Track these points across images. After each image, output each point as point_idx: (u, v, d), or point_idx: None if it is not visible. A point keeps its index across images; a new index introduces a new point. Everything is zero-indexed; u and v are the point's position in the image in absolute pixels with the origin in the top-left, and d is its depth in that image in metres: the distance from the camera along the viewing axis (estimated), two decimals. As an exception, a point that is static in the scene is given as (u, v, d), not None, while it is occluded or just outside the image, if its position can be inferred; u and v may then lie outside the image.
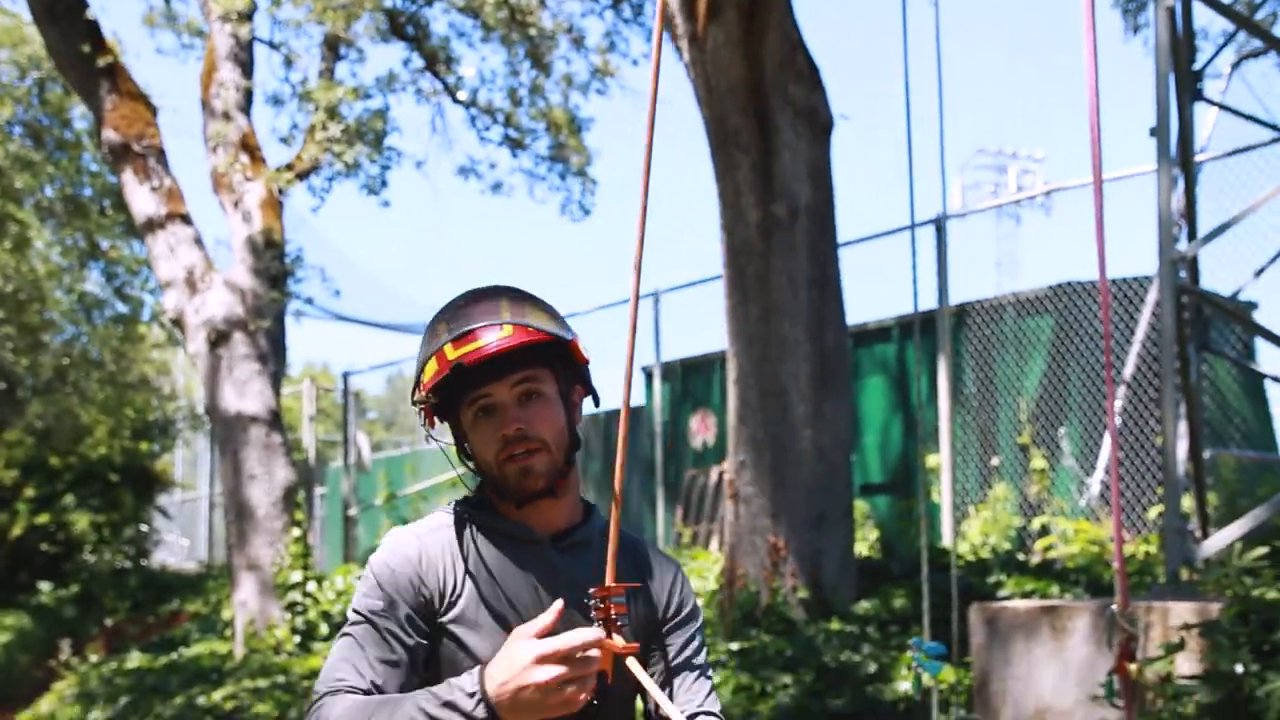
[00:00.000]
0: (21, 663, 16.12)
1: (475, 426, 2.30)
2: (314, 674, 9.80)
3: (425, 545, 2.31)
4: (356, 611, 2.28)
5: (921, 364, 11.26)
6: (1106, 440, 10.06)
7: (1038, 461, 10.39)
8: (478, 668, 2.14)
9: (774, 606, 8.33)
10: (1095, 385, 10.38)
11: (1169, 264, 6.67)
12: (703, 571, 11.15)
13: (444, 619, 2.27)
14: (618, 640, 2.17)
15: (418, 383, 2.32)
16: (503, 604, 2.28)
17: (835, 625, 8.00)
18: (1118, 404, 10.13)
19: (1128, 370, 10.10)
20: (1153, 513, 9.55)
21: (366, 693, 2.20)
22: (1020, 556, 9.21)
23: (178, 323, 11.67)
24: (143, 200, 11.60)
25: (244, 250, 11.62)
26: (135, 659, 12.57)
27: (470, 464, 2.39)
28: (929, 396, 11.67)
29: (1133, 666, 3.64)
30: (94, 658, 13.28)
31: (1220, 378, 10.29)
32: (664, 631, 2.45)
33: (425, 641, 2.27)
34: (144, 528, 20.53)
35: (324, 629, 11.60)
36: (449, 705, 2.10)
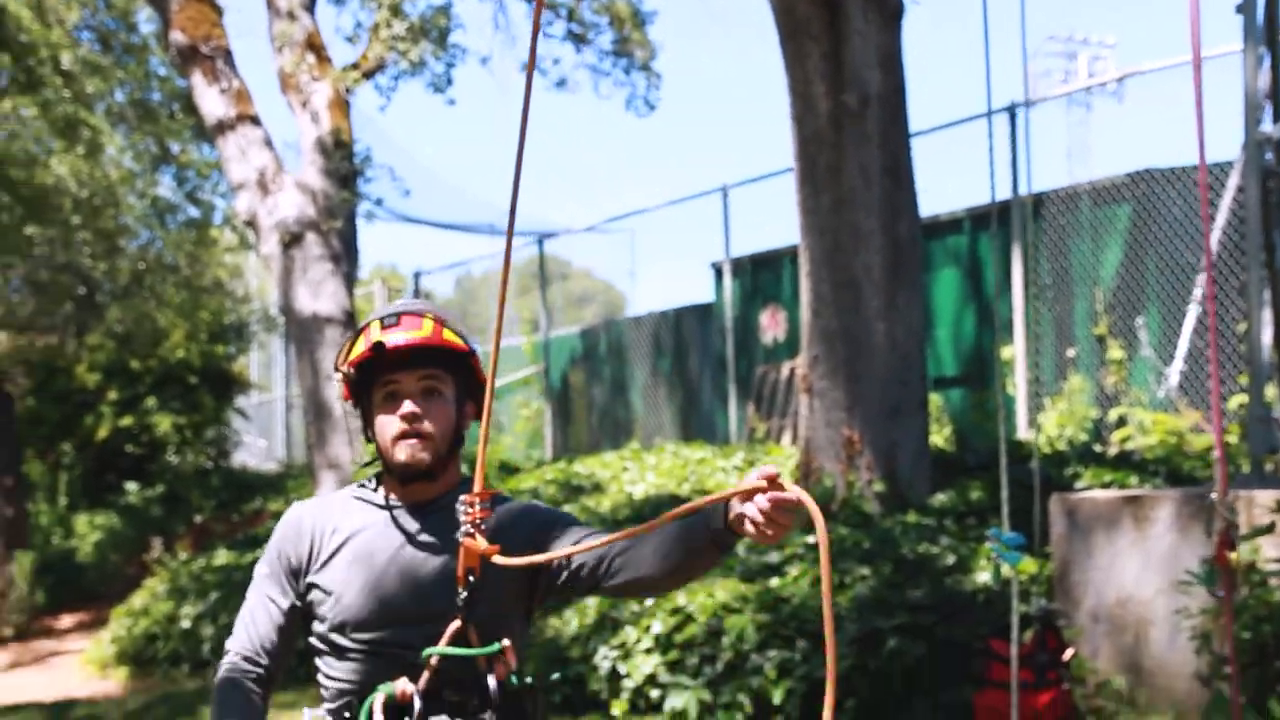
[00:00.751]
0: (113, 560, 16.55)
1: (381, 407, 2.67)
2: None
3: (304, 514, 2.74)
4: (256, 572, 2.77)
5: (997, 254, 11.13)
6: (1186, 329, 9.90)
7: (1114, 352, 10.27)
8: None
9: (850, 500, 8.35)
10: (1174, 273, 10.20)
11: (1254, 145, 6.51)
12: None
13: (313, 575, 2.67)
14: (480, 542, 2.45)
15: (343, 360, 2.72)
16: (365, 559, 2.64)
17: (912, 518, 8.01)
18: (1197, 291, 9.96)
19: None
20: (1233, 402, 9.42)
21: (249, 658, 2.69)
22: (1097, 448, 9.13)
23: (251, 225, 11.74)
24: (212, 102, 11.62)
25: (313, 151, 11.63)
26: (222, 556, 12.84)
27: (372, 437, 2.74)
28: (1003, 288, 11.54)
29: (1233, 555, 3.60)
30: (182, 555, 13.59)
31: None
32: (552, 540, 2.69)
33: (299, 600, 2.69)
34: (224, 429, 20.89)
35: (403, 526, 11.77)
36: None
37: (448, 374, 2.68)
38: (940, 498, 8.37)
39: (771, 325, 13.98)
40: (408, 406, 2.62)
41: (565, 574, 2.68)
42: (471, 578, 2.52)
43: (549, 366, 16.25)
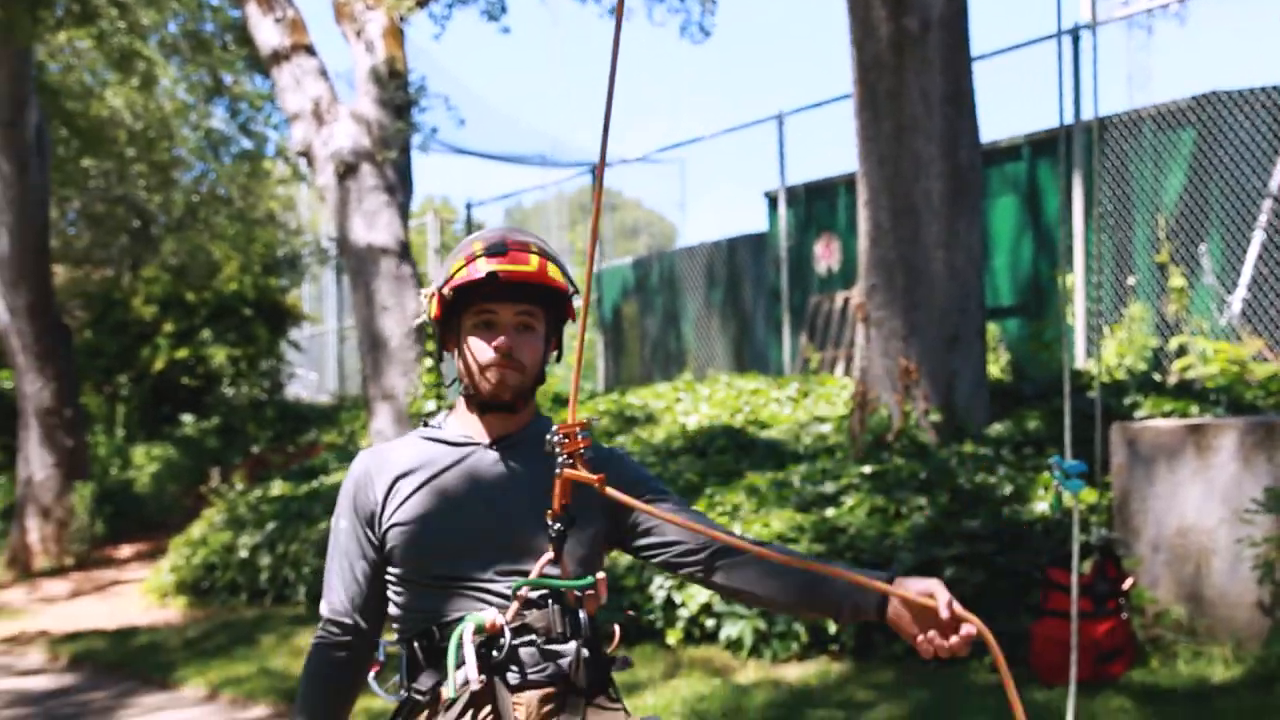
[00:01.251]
0: (171, 491, 16.77)
1: (473, 333, 2.61)
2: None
3: (373, 460, 2.68)
4: (334, 527, 2.70)
5: (1058, 180, 10.96)
6: (1250, 256, 9.74)
7: (1176, 280, 10.12)
8: None
9: (906, 430, 8.30)
10: (1239, 199, 10.02)
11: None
12: (830, 397, 11.14)
13: (391, 518, 2.61)
14: (583, 471, 2.44)
15: (443, 279, 2.63)
16: (441, 499, 2.61)
17: (969, 447, 7.95)
18: (1262, 218, 9.78)
19: (1274, 182, 9.73)
20: (1299, 330, 9.28)
21: (339, 622, 2.65)
22: (1157, 377, 9.02)
23: (305, 155, 11.74)
24: (267, 32, 11.59)
25: (368, 81, 11.59)
26: (278, 487, 12.99)
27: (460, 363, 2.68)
28: (1062, 215, 11.38)
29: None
30: (239, 486, 13.75)
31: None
32: (632, 521, 2.68)
33: (381, 549, 2.63)
34: (278, 361, 21.05)
35: (458, 456, 11.83)
36: None
37: (542, 309, 2.63)
38: (997, 428, 8.30)
39: (826, 255, 13.88)
40: (503, 339, 2.57)
41: (648, 539, 2.68)
42: (566, 509, 2.51)
43: (601, 297, 16.22)
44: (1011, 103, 17.09)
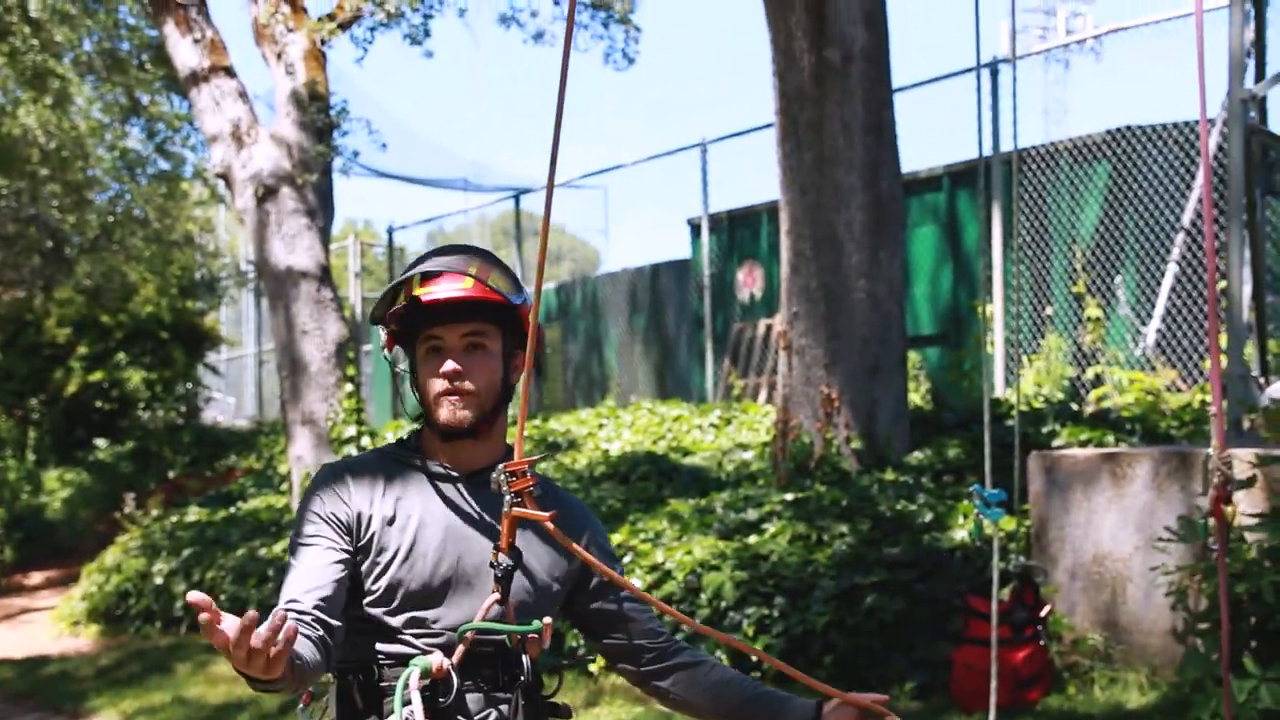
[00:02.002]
0: (83, 517, 16.46)
1: (424, 361, 2.56)
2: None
3: (351, 475, 2.58)
4: (297, 539, 2.54)
5: (978, 210, 11.11)
6: (1164, 288, 9.92)
7: (1092, 310, 10.28)
8: None
9: (828, 457, 8.34)
10: (1152, 231, 10.21)
11: (1239, 103, 6.49)
12: (753, 424, 11.18)
13: (363, 539, 2.53)
14: (531, 509, 2.40)
15: (383, 313, 2.59)
16: (419, 526, 2.53)
17: (890, 475, 8.01)
18: (1175, 251, 9.97)
19: (1186, 217, 9.92)
20: (1210, 362, 9.45)
21: (298, 610, 2.38)
22: (1074, 407, 9.15)
23: (224, 178, 11.60)
24: (185, 53, 11.45)
25: (288, 104, 11.49)
26: (194, 513, 12.79)
27: (416, 394, 2.62)
28: (982, 246, 11.53)
29: (1228, 509, 3.60)
30: (155, 512, 13.52)
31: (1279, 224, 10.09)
32: (594, 584, 2.67)
33: (351, 553, 2.51)
34: (195, 385, 20.75)
35: (378, 482, 11.72)
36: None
37: (494, 326, 2.56)
38: (918, 455, 8.37)
39: (748, 282, 13.96)
40: (449, 364, 2.51)
41: (602, 619, 2.68)
42: (511, 550, 2.47)
43: (524, 322, 16.16)
44: (931, 134, 17.32)
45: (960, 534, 7.00)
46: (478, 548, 2.53)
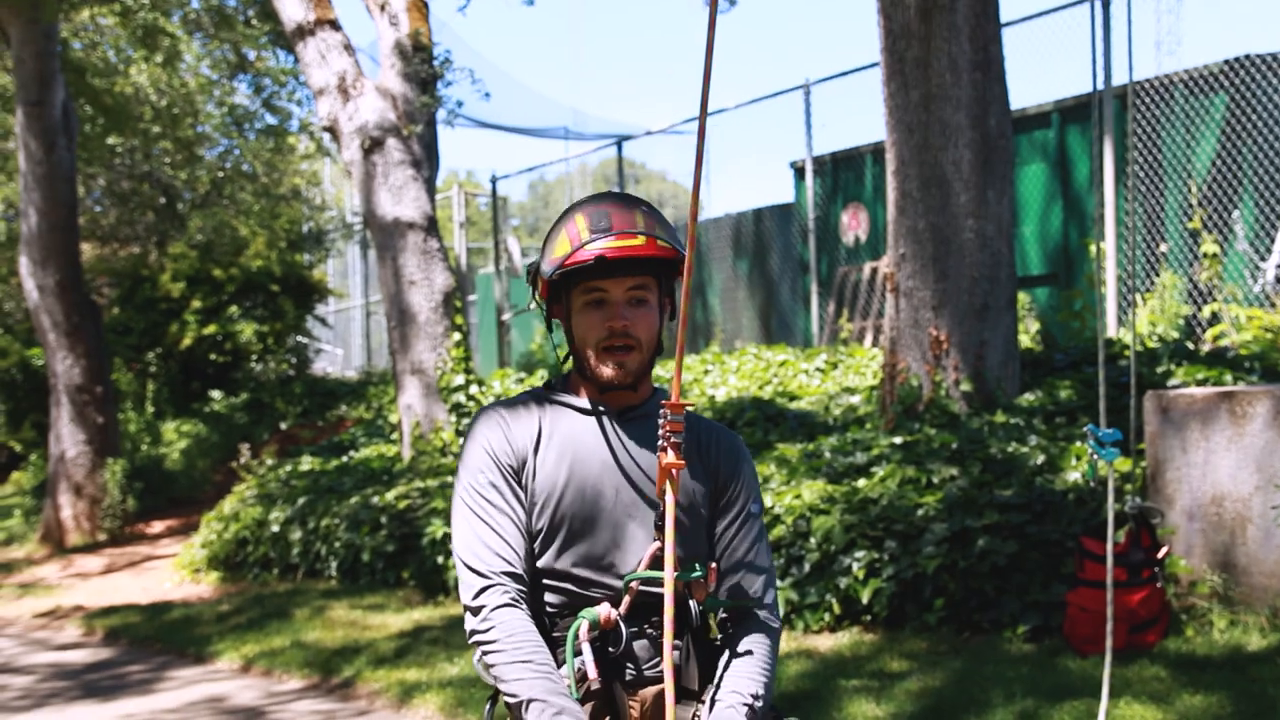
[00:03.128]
0: (200, 467, 16.84)
1: (584, 312, 2.56)
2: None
3: (508, 416, 2.62)
4: (473, 485, 2.57)
5: (1088, 147, 10.88)
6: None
7: (1209, 247, 10.04)
8: None
9: (936, 400, 8.27)
10: (1272, 164, 9.92)
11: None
12: (859, 368, 11.11)
13: (536, 484, 2.57)
14: (670, 455, 2.38)
15: (546, 260, 2.57)
16: (575, 461, 2.56)
17: (1000, 417, 7.91)
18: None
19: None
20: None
21: (509, 573, 2.49)
22: (1189, 345, 8.96)
23: (331, 130, 11.72)
24: (291, 7, 11.56)
25: (393, 55, 11.55)
26: (307, 462, 13.03)
27: (562, 339, 2.65)
28: (1091, 183, 11.29)
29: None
30: (269, 461, 13.80)
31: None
32: (721, 505, 2.67)
33: (521, 497, 2.56)
34: (305, 337, 21.09)
35: (487, 430, 11.83)
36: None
37: (654, 281, 2.58)
38: (1028, 397, 8.26)
39: (853, 225, 13.83)
40: (620, 319, 2.53)
41: (722, 532, 2.67)
42: (669, 495, 2.44)
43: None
44: (1040, 69, 16.95)
45: (1073, 476, 6.90)
46: (634, 480, 2.55)
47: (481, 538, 2.52)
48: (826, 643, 6.78)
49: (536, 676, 2.41)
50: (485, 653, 2.47)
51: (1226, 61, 10.22)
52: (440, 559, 9.18)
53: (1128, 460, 6.66)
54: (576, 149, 19.20)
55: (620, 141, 16.77)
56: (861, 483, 7.39)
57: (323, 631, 8.64)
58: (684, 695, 2.54)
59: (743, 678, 2.55)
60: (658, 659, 2.53)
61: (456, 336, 11.45)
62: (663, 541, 2.45)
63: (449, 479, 10.14)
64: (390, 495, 10.08)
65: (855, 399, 9.68)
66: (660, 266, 2.58)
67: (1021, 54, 12.24)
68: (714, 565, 2.55)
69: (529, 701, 2.38)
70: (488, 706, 2.68)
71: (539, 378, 13.81)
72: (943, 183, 8.26)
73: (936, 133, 8.26)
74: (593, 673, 2.43)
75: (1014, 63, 13.23)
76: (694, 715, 2.55)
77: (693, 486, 2.59)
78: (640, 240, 2.49)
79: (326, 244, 23.73)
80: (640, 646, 2.53)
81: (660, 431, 2.39)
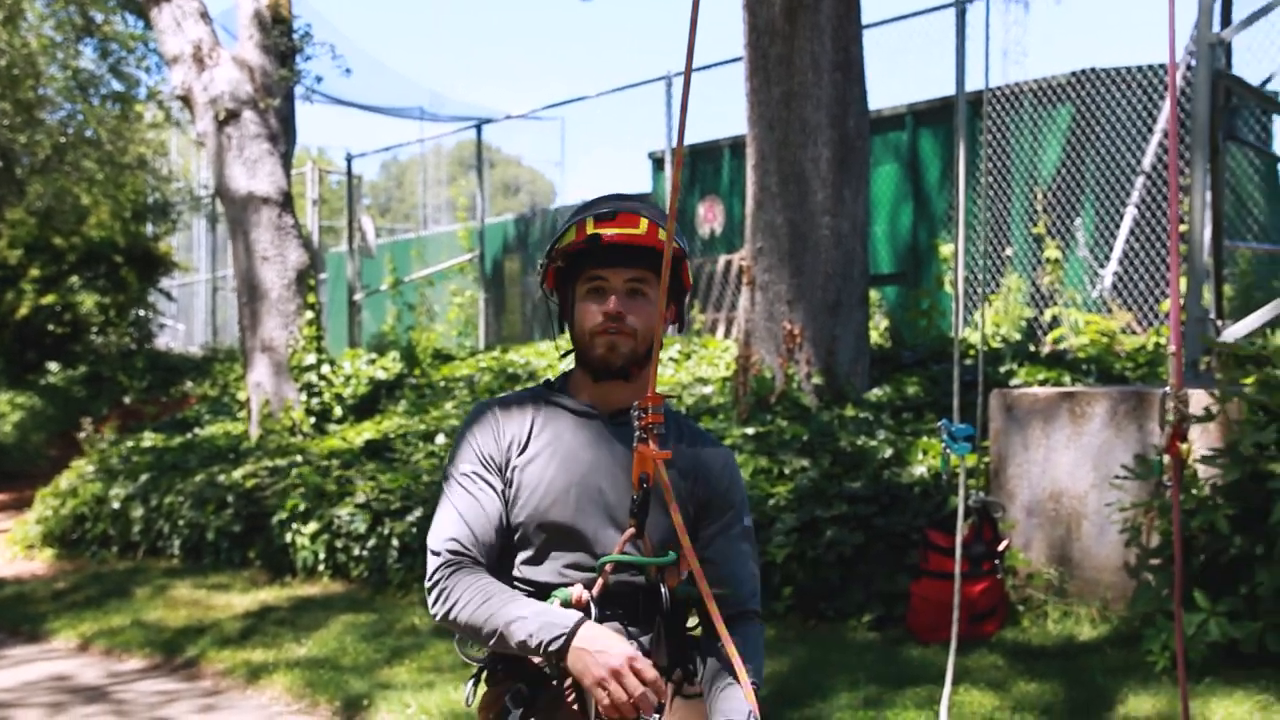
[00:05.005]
0: (35, 440, 16.34)
1: (584, 300, 2.61)
2: (333, 454, 9.94)
3: (501, 410, 2.66)
4: (452, 474, 2.61)
5: (939, 150, 11.16)
6: (1122, 231, 10.03)
7: (1051, 252, 10.38)
8: (581, 618, 2.42)
9: (788, 392, 8.42)
10: (1113, 174, 10.30)
11: (1207, 46, 6.55)
12: (713, 359, 11.25)
13: (513, 471, 2.60)
14: (653, 447, 2.40)
15: (552, 248, 2.65)
16: (561, 462, 2.59)
17: (850, 411, 8.10)
18: (1135, 195, 10.07)
19: (1147, 160, 10.02)
20: (1166, 305, 9.58)
21: (463, 551, 2.53)
22: (1031, 347, 9.27)
23: (185, 100, 11.46)
24: (145, -29, 11.29)
25: (251, 25, 11.34)
26: (150, 438, 12.74)
27: (564, 334, 2.70)
28: (941, 185, 11.59)
29: (1184, 446, 3.68)
30: (110, 436, 13.45)
31: (1237, 170, 10.20)
32: (710, 510, 2.69)
33: (502, 485, 2.59)
34: (148, 310, 20.55)
35: (338, 411, 11.73)
36: (543, 630, 2.39)
37: (654, 275, 2.59)
38: (877, 392, 8.47)
39: (709, 217, 13.97)
40: (612, 303, 2.57)
41: (708, 539, 2.68)
42: (645, 484, 2.46)
43: (483, 253, 16.13)
44: (893, 73, 17.32)
45: (919, 470, 7.10)
46: (621, 484, 2.57)
47: (443, 521, 2.57)
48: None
49: (504, 603, 2.45)
50: (452, 620, 2.49)
51: (1073, 73, 10.57)
52: (289, 538, 9.07)
53: (973, 456, 6.88)
54: (434, 130, 19.05)
55: (480, 125, 16.68)
56: (715, 472, 7.49)
57: (165, 611, 8.48)
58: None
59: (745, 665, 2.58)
60: (632, 644, 2.51)
61: (309, 315, 11.30)
62: (635, 528, 2.50)
63: (298, 458, 10.01)
64: (237, 474, 9.91)
65: (708, 389, 9.81)
66: (660, 264, 2.57)
67: (876, 57, 12.47)
68: (683, 556, 2.54)
69: (509, 626, 2.42)
70: (469, 685, 2.67)
71: (391, 359, 13.70)
72: (801, 179, 8.41)
73: (797, 130, 8.40)
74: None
75: (869, 65, 13.50)
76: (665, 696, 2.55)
77: (676, 481, 2.59)
78: (642, 228, 2.54)
79: (173, 216, 23.13)
80: (614, 631, 2.52)
81: (638, 423, 2.41)
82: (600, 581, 2.53)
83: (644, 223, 2.54)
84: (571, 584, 2.53)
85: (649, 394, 2.41)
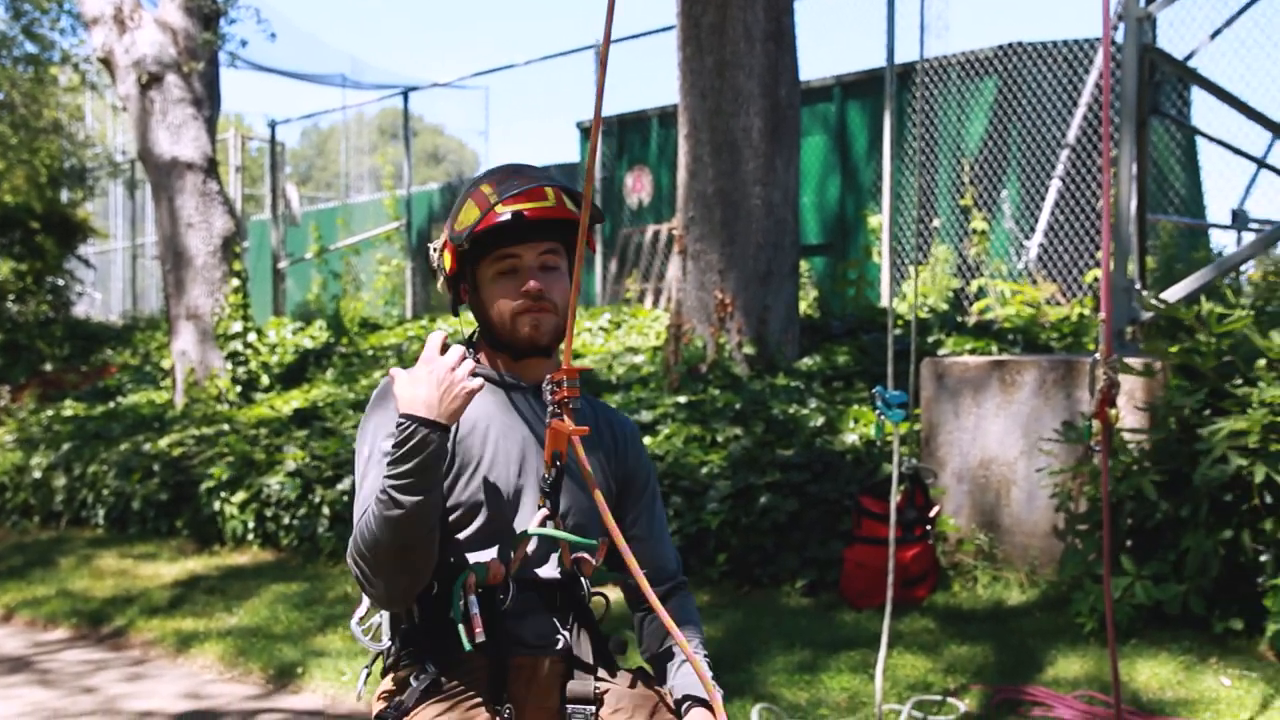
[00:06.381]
0: (-52, 410, 16.00)
1: (495, 282, 2.53)
2: (261, 422, 9.86)
3: None
4: (370, 453, 2.48)
5: (867, 121, 11.24)
6: (1047, 203, 10.17)
7: (978, 223, 10.50)
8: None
9: (720, 361, 8.46)
10: (1037, 147, 10.44)
11: (1134, 21, 6.65)
12: (643, 328, 11.27)
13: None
14: (568, 423, 2.34)
15: (453, 229, 2.52)
16: (485, 437, 2.52)
17: (781, 380, 8.16)
18: (1059, 168, 10.22)
19: (1071, 133, 10.16)
20: (1089, 276, 9.74)
21: None
22: (958, 318, 9.39)
23: (106, 63, 11.25)
24: (64, -69, 11.06)
25: (174, -13, 11.16)
26: (71, 407, 12.54)
27: (465, 314, 2.64)
28: (869, 156, 11.68)
29: (1113, 412, 3.76)
30: (29, 405, 13.22)
31: (1159, 144, 10.38)
32: (632, 485, 2.69)
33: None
34: (61, 281, 20.16)
35: (265, 380, 11.62)
36: (397, 446, 2.29)
37: (565, 247, 2.56)
38: (807, 362, 8.54)
39: (637, 187, 13.97)
40: (533, 283, 2.50)
41: (629, 522, 2.66)
42: (559, 461, 2.44)
43: (410, 223, 16.02)
44: (821, 44, 17.40)
45: (851, 438, 7.18)
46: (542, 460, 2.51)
47: (363, 503, 2.44)
48: (611, 594, 6.89)
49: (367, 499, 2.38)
50: (352, 554, 2.39)
51: (999, 47, 10.69)
52: (216, 506, 8.98)
53: (905, 424, 6.96)
54: (358, 97, 18.86)
55: (407, 92, 16.54)
56: (647, 440, 7.53)
57: (91, 581, 8.37)
58: (581, 668, 2.53)
59: (694, 636, 2.61)
60: (558, 637, 2.51)
61: (235, 282, 11.18)
62: (547, 506, 2.47)
63: (224, 427, 9.91)
64: (163, 442, 9.79)
65: (639, 359, 9.83)
66: (566, 235, 2.55)
67: (804, 28, 12.56)
68: (603, 542, 2.52)
69: (375, 504, 2.31)
70: (362, 675, 2.63)
71: (317, 328, 13.58)
72: (733, 149, 8.44)
73: (729, 99, 8.42)
74: (478, 625, 2.37)
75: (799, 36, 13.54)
76: (595, 687, 2.53)
77: (594, 462, 2.54)
78: (550, 198, 2.46)
79: (89, 182, 22.71)
80: (539, 623, 2.50)
81: (551, 398, 2.36)
82: (518, 553, 2.46)
83: (551, 193, 2.47)
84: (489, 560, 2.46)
85: (564, 367, 2.36)
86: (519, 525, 2.50)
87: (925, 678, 5.33)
